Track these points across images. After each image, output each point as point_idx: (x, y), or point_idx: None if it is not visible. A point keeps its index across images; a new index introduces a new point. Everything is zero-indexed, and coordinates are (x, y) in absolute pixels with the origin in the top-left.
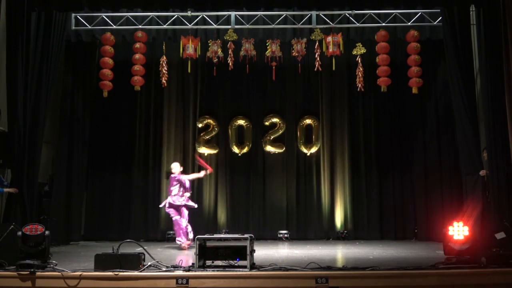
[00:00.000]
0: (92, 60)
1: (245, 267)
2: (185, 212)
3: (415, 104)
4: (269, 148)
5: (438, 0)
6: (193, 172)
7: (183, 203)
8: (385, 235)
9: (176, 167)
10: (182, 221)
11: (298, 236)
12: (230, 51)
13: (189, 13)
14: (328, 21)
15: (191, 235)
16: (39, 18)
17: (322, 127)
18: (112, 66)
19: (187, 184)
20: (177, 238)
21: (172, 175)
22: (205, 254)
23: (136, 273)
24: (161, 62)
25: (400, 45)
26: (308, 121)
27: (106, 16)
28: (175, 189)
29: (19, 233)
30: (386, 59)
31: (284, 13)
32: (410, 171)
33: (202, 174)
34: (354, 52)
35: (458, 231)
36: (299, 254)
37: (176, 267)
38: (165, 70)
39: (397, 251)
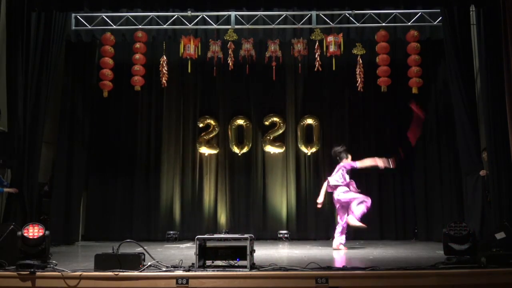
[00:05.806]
0: (92, 60)
1: (245, 267)
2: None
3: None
4: (269, 148)
5: (438, 0)
6: (193, 168)
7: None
8: (385, 235)
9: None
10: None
11: (298, 236)
12: (230, 51)
13: (189, 13)
14: (328, 21)
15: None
16: (39, 18)
17: (322, 127)
18: (112, 66)
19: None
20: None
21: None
22: (205, 254)
23: (136, 273)
24: (161, 62)
25: (400, 45)
26: (309, 120)
27: (106, 16)
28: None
29: (19, 233)
30: (386, 59)
31: (284, 13)
32: (410, 171)
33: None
34: (354, 52)
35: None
36: (299, 254)
37: (176, 267)
38: (165, 70)
39: (397, 251)
